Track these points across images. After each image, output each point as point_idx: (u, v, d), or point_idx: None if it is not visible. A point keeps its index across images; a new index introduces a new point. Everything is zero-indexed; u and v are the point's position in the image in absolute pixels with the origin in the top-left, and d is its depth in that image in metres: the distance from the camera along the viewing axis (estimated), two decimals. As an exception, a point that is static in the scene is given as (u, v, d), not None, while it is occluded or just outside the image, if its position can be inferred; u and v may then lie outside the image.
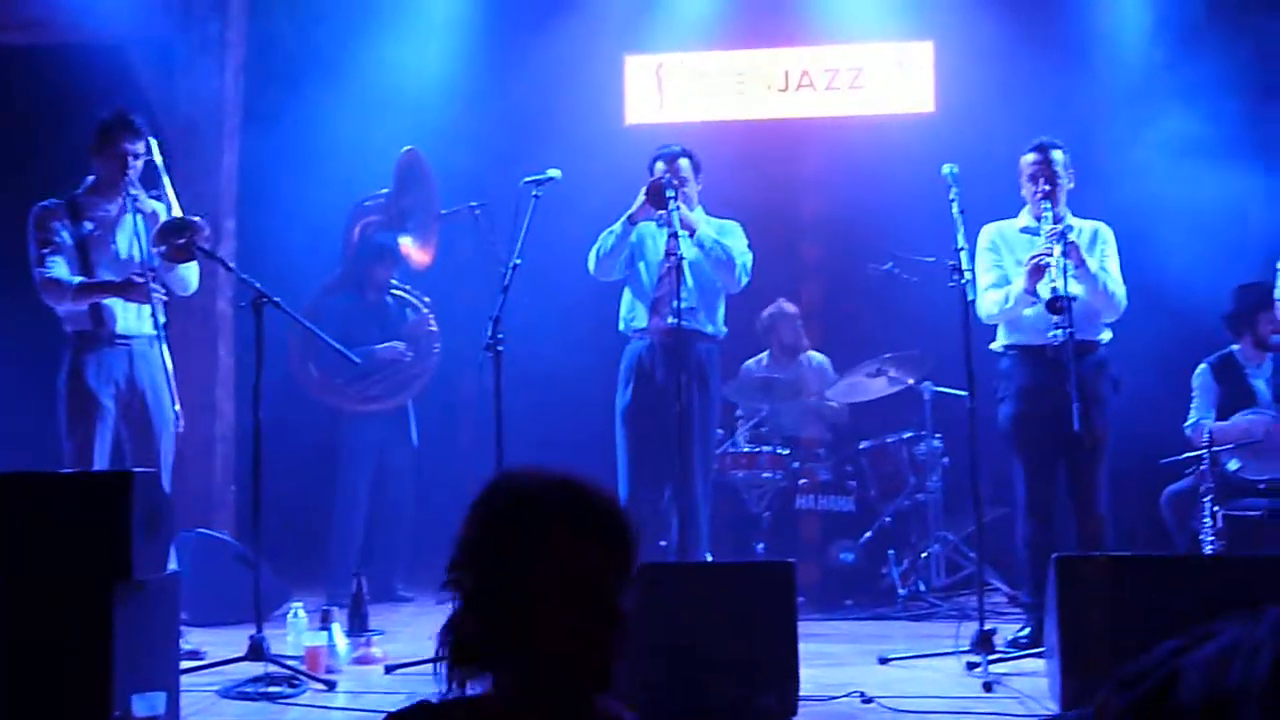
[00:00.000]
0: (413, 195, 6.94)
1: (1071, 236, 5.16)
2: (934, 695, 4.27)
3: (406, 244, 6.92)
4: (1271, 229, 5.39)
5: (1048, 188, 5.22)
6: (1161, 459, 6.18)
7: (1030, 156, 5.34)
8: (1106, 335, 5.32)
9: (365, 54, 7.54)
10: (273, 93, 7.45)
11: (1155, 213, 6.51)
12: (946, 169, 5.22)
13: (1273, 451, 5.99)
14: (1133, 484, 6.15)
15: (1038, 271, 5.10)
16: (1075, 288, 5.02)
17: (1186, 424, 6.25)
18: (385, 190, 6.99)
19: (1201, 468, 5.66)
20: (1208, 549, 5.45)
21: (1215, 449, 5.71)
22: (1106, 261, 5.30)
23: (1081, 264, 5.12)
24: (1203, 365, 6.32)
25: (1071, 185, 5.34)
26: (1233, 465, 5.93)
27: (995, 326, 5.42)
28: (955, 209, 5.11)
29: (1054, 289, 4.98)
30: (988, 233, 5.46)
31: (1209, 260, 6.36)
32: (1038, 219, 5.25)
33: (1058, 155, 5.30)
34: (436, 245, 6.98)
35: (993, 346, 5.42)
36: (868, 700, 4.17)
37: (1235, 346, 6.30)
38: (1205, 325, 6.46)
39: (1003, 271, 5.35)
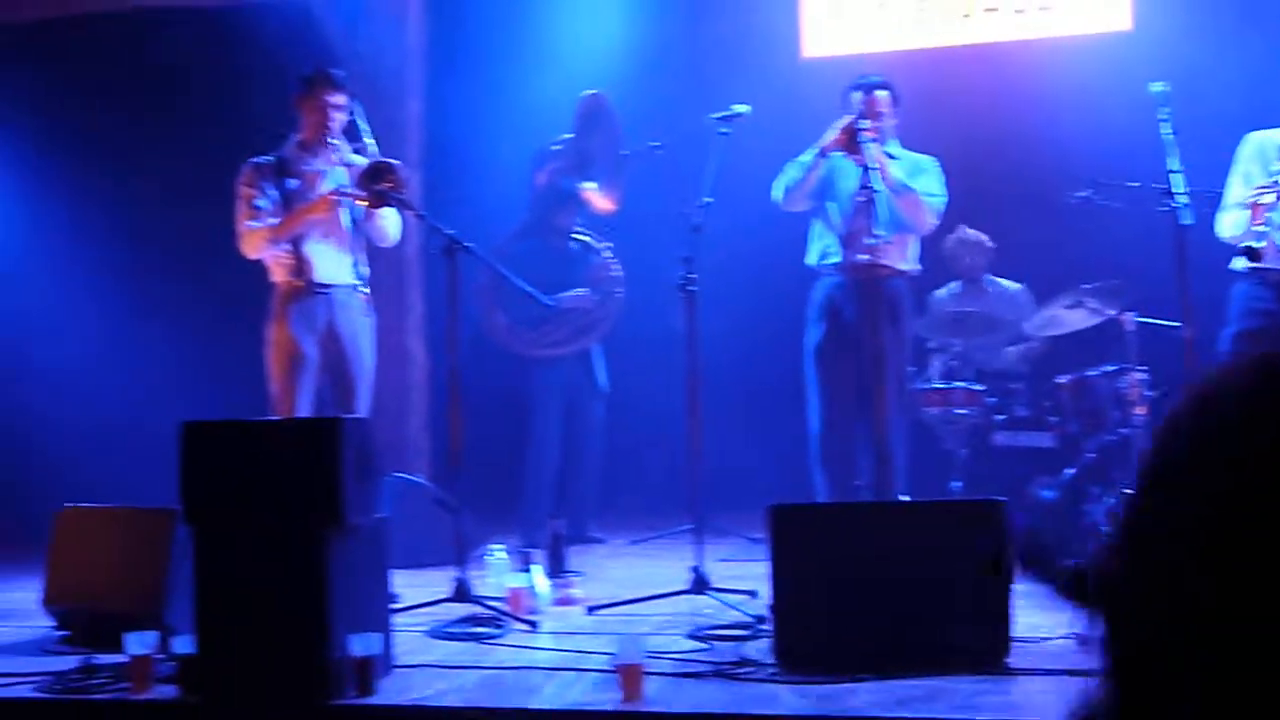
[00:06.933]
0: (596, 139, 6.91)
1: None
2: (1153, 636, 4.12)
3: (590, 190, 6.91)
4: None
5: None
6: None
7: None
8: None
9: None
10: (455, 41, 7.50)
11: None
12: (1156, 87, 4.96)
13: None
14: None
15: (1256, 210, 4.81)
16: None
17: None
18: (568, 135, 6.98)
19: None
20: None
21: None
22: None
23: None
24: None
25: None
26: None
27: (1229, 248, 5.12)
28: (1166, 130, 4.85)
29: (1257, 234, 4.69)
30: (1251, 142, 5.15)
31: None
32: None
33: None
34: (622, 190, 6.95)
35: (1234, 266, 5.14)
36: (1084, 642, 4.03)
37: None
38: None
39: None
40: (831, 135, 5.49)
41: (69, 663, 3.93)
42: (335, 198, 5.22)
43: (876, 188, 5.16)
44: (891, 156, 5.64)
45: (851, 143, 5.37)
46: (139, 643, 3.67)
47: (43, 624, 4.64)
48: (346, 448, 3.59)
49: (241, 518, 3.61)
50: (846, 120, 5.46)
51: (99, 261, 8.08)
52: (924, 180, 5.65)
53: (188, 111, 7.90)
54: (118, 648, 3.74)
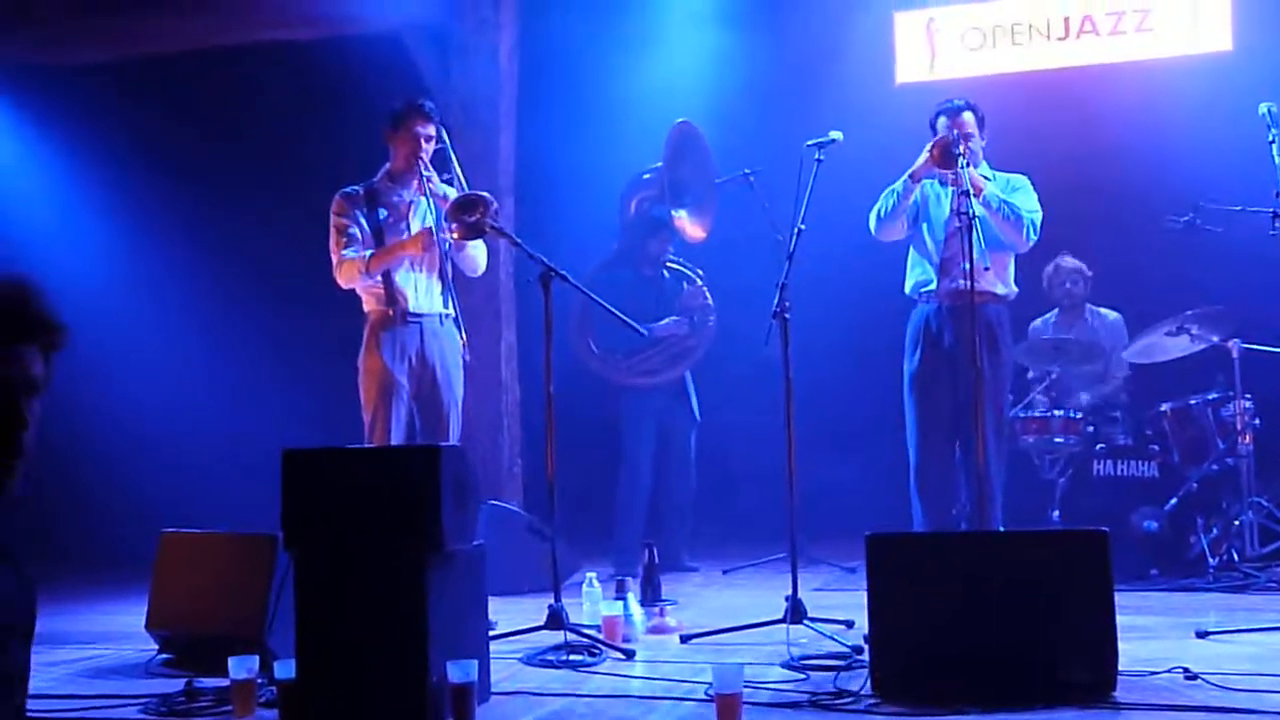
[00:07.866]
0: (687, 167, 6.93)
1: None
2: (1266, 673, 3.98)
3: (681, 218, 6.91)
4: None
5: None
6: None
7: None
8: None
9: (634, 24, 7.56)
10: (546, 70, 7.56)
11: None
12: (1264, 108, 4.85)
13: None
14: None
15: None
16: None
17: None
18: (659, 164, 6.99)
19: None
20: None
21: None
22: None
23: None
24: None
25: None
26: None
27: None
28: (1275, 150, 4.75)
29: None
30: None
31: None
32: None
33: None
34: (712, 218, 6.95)
35: None
36: (1192, 677, 3.91)
37: None
38: None
39: None
40: (923, 158, 5.45)
41: (173, 685, 4.00)
42: (430, 236, 5.27)
43: (977, 213, 5.09)
44: (984, 177, 5.60)
45: (945, 157, 5.32)
46: (241, 667, 3.72)
47: (147, 646, 4.71)
48: (444, 475, 3.61)
49: (341, 544, 3.64)
50: (939, 138, 5.42)
51: (200, 292, 8.24)
52: (1020, 197, 5.60)
53: (288, 144, 8.04)
54: (220, 671, 3.79)
